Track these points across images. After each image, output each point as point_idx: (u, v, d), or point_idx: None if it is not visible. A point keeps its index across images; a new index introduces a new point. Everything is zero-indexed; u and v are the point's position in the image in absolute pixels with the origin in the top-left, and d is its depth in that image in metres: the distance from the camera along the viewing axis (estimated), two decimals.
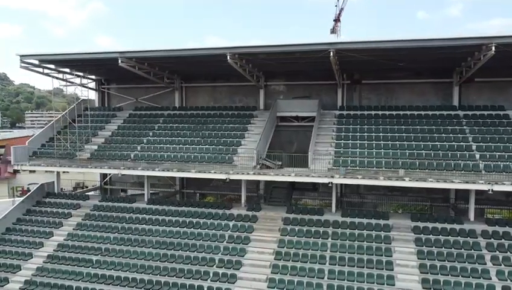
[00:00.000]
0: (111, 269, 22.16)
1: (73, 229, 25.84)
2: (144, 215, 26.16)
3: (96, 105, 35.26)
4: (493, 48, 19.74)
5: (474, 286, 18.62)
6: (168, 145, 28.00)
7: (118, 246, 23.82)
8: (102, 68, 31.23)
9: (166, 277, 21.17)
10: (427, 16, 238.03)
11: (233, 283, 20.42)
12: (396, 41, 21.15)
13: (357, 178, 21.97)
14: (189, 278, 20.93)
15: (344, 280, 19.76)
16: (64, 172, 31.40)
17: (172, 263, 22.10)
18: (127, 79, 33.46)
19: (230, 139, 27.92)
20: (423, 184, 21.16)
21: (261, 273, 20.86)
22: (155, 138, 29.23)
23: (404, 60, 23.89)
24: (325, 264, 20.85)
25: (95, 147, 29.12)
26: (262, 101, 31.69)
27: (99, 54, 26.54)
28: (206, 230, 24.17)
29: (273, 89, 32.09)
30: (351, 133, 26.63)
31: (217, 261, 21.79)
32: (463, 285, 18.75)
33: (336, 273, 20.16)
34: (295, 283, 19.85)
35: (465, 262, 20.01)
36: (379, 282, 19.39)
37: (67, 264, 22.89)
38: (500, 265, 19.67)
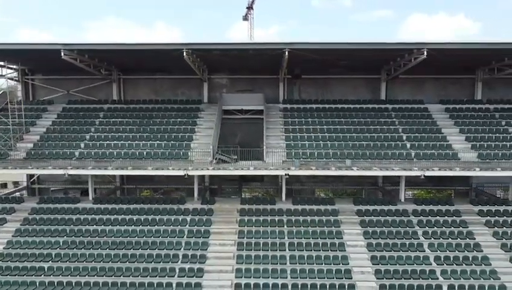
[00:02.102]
0: (67, 275, 20.94)
1: (13, 236, 23.67)
2: (93, 215, 24.98)
3: (20, 98, 32.00)
4: (425, 52, 22.74)
5: (413, 259, 21.63)
6: (115, 142, 26.84)
7: (70, 250, 22.51)
8: (31, 58, 28.46)
9: (130, 278, 20.74)
10: (321, 4, 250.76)
11: (201, 276, 20.84)
12: (347, 43, 23.21)
13: (312, 169, 23.69)
14: (156, 276, 20.76)
15: (304, 263, 21.38)
16: None
17: (134, 262, 21.66)
18: (56, 69, 31.04)
19: (181, 134, 27.76)
20: (370, 172, 23.76)
21: (226, 264, 21.58)
22: (98, 134, 27.75)
23: (346, 59, 26.12)
24: (285, 250, 22.31)
25: (30, 146, 26.67)
26: (206, 94, 31.94)
27: (41, 45, 24.28)
28: (164, 226, 24.07)
29: (216, 82, 32.47)
30: (297, 126, 28.40)
31: (180, 257, 21.91)
32: (404, 258, 21.66)
33: (297, 258, 21.69)
34: (261, 271, 20.97)
35: (403, 238, 23.09)
36: (335, 263, 21.44)
37: (14, 275, 20.97)
38: (430, 238, 23.08)
